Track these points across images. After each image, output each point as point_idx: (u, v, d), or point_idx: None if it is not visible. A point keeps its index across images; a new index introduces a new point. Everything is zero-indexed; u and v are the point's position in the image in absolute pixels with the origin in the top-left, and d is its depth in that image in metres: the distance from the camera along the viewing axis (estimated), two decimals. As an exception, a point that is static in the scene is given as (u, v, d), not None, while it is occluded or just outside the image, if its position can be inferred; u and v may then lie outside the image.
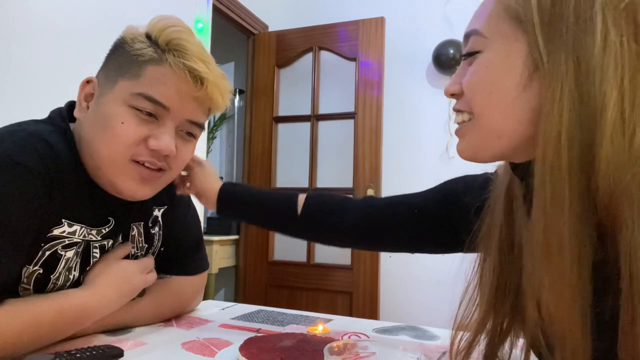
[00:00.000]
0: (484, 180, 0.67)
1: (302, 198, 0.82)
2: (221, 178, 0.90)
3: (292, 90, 3.06)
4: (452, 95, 0.56)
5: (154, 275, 0.83)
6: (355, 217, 0.79)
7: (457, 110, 0.56)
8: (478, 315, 0.57)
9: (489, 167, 0.70)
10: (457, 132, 0.57)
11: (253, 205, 0.84)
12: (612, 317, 0.41)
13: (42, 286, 0.70)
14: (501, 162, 0.61)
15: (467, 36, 0.53)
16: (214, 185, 0.84)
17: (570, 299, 0.42)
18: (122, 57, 0.71)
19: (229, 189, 0.84)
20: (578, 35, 0.43)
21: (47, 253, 0.68)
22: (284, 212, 0.82)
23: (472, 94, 0.52)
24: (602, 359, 0.43)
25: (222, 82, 0.73)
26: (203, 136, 2.66)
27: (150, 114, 0.69)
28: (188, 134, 0.74)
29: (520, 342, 0.57)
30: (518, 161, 0.52)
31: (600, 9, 0.42)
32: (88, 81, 0.73)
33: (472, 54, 0.52)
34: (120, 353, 0.65)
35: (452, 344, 0.58)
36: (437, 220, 0.73)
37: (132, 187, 0.71)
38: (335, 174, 2.90)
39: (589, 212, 0.42)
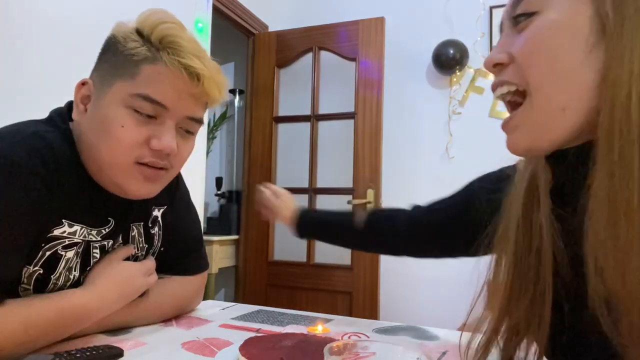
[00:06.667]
0: (500, 173, 0.66)
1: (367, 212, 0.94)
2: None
3: (292, 90, 3.05)
4: (495, 67, 0.51)
5: (154, 277, 0.83)
6: (405, 225, 0.86)
7: (502, 83, 0.50)
8: (492, 318, 0.55)
9: (493, 167, 0.70)
10: (506, 126, 0.51)
11: (324, 223, 0.99)
12: None
13: (42, 286, 0.70)
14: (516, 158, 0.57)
15: (518, 0, 0.48)
16: (291, 213, 0.98)
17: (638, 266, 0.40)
18: (115, 57, 0.69)
19: (303, 215, 0.98)
20: None
21: (48, 253, 0.68)
22: (349, 224, 0.92)
23: (530, 61, 0.47)
24: None
25: (218, 76, 0.72)
26: (203, 136, 2.66)
27: (149, 115, 0.68)
28: (187, 131, 0.74)
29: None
30: (573, 145, 0.48)
31: None
32: (83, 83, 0.72)
33: (527, 16, 0.47)
34: (120, 353, 0.65)
35: (467, 345, 0.57)
36: (462, 223, 0.73)
37: (138, 187, 0.72)
38: (335, 174, 2.90)
39: None
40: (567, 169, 0.49)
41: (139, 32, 0.70)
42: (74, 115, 0.72)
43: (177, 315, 0.90)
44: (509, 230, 0.55)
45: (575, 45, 0.44)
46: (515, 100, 0.50)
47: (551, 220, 0.51)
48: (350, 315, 2.58)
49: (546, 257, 0.51)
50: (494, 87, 0.52)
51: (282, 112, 3.07)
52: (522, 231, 0.54)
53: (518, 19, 0.48)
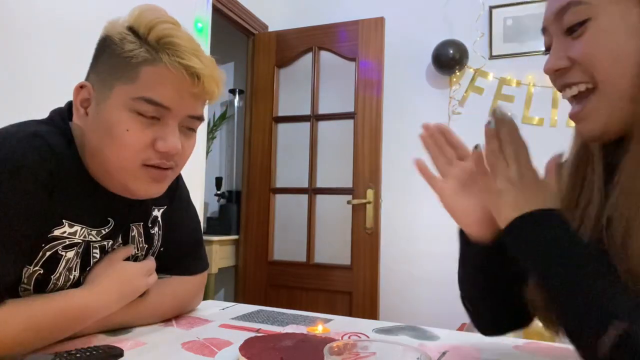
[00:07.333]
0: None
1: None
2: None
3: (292, 90, 3.05)
4: (557, 72, 0.55)
5: (154, 277, 0.83)
6: None
7: (570, 85, 0.55)
8: None
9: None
10: (576, 115, 0.55)
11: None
12: None
13: (42, 286, 0.70)
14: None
15: (564, 10, 0.53)
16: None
17: None
18: (113, 59, 0.69)
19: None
20: None
21: (48, 253, 0.68)
22: None
23: (595, 62, 0.51)
24: None
25: (216, 72, 0.72)
26: (203, 136, 2.66)
27: (152, 116, 0.68)
28: (189, 128, 0.74)
29: None
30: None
31: None
32: (82, 86, 0.72)
33: (580, 24, 0.52)
34: (120, 353, 0.65)
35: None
36: None
37: (146, 188, 0.72)
38: (335, 174, 2.90)
39: None
40: (615, 148, 0.53)
41: (133, 32, 0.69)
42: (75, 119, 0.72)
43: (177, 315, 0.90)
44: (561, 185, 0.60)
45: (632, 43, 0.49)
46: (583, 96, 0.54)
47: (601, 180, 0.55)
48: (350, 315, 2.58)
49: (593, 209, 0.55)
50: (561, 89, 0.56)
51: (282, 112, 3.07)
52: (571, 185, 0.58)
53: (573, 28, 0.53)
